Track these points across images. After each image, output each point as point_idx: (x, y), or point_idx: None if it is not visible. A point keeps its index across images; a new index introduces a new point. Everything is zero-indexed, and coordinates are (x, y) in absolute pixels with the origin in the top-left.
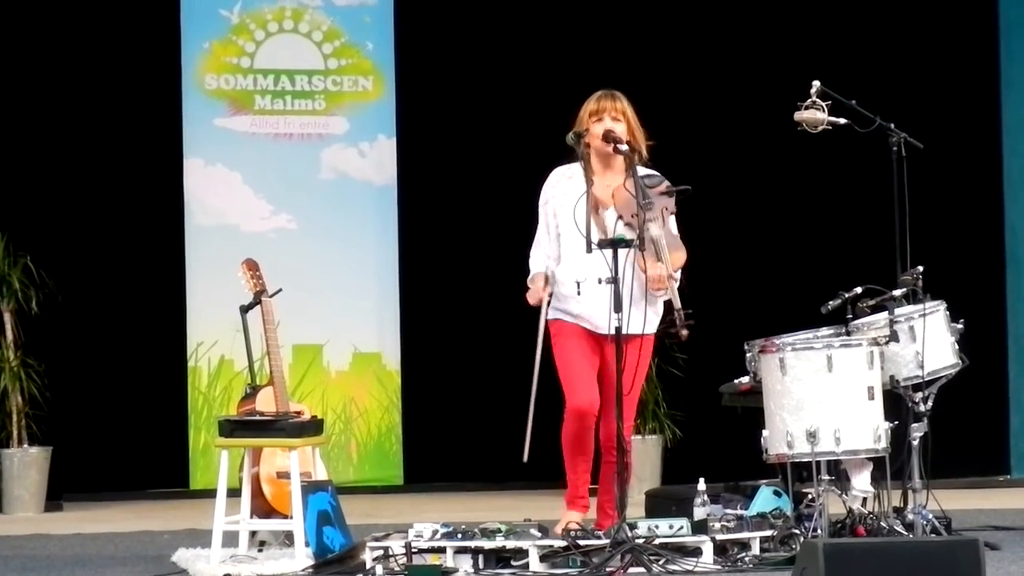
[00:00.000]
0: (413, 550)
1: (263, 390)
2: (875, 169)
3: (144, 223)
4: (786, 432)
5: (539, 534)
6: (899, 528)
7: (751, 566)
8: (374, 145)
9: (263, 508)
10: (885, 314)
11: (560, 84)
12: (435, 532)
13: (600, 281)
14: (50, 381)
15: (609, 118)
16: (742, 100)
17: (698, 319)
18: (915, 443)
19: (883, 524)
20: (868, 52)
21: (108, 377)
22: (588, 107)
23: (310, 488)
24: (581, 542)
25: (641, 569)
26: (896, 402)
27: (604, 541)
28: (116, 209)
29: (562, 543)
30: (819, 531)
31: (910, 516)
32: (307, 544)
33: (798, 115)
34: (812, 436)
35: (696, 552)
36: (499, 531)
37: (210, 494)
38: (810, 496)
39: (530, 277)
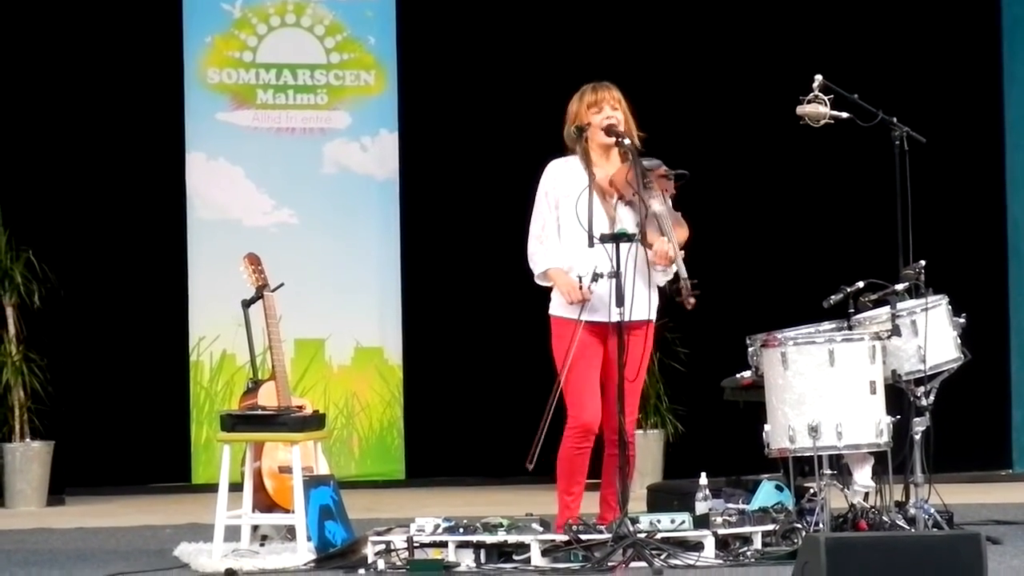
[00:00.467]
0: (415, 544)
1: (265, 384)
2: (877, 163)
3: (146, 217)
4: (788, 426)
5: (541, 528)
6: (901, 522)
7: (753, 560)
8: (376, 139)
9: (265, 502)
10: (887, 308)
11: (561, 77)
12: (437, 527)
13: (603, 276)
14: (52, 375)
15: (608, 107)
16: (745, 94)
17: (701, 313)
18: (917, 437)
19: (885, 518)
20: (871, 46)
21: (110, 371)
22: (585, 99)
23: (312, 482)
24: (583, 536)
25: (643, 563)
26: (898, 396)
27: (606, 535)
28: (118, 203)
29: (564, 537)
30: (821, 525)
31: (912, 510)
32: (309, 538)
33: (800, 109)
34: (814, 430)
35: (698, 546)
36: (501, 525)
37: (212, 488)
38: (812, 490)
39: (541, 272)
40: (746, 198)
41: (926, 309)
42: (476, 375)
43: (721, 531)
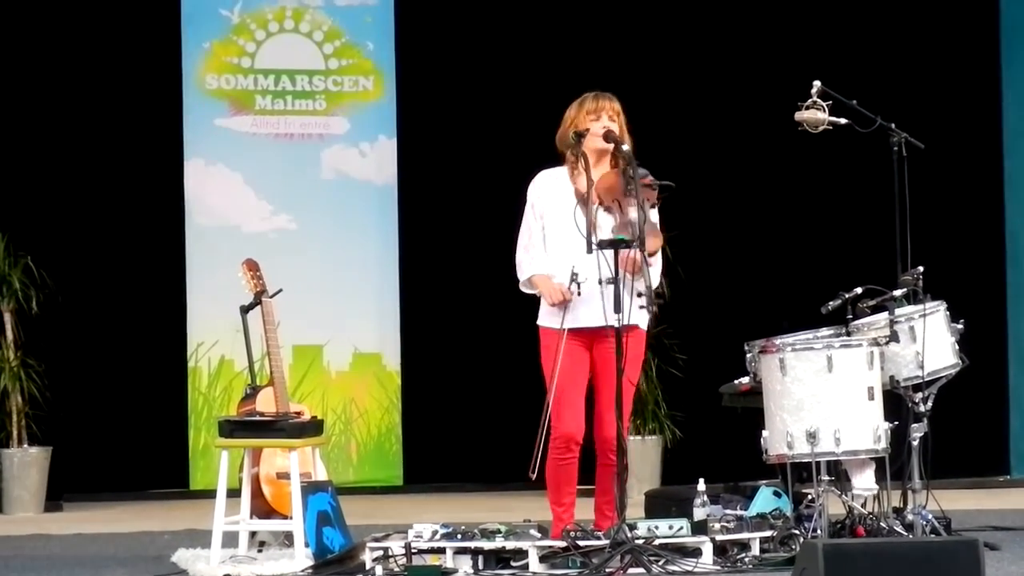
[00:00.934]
0: (413, 551)
1: (263, 390)
2: (876, 169)
3: (144, 223)
4: (786, 432)
5: (539, 535)
6: (899, 528)
7: (751, 567)
8: (375, 145)
9: (263, 508)
10: (885, 314)
11: (559, 85)
12: (435, 533)
13: (600, 282)
14: (50, 381)
15: (607, 117)
16: (743, 100)
17: (698, 320)
18: (915, 443)
19: (883, 524)
20: (869, 52)
21: (108, 377)
22: (584, 106)
23: (310, 488)
24: (581, 543)
25: (641, 570)
26: (896, 402)
27: (604, 542)
28: (117, 209)
29: (562, 544)
30: (819, 531)
31: (910, 516)
32: (307, 544)
33: (799, 115)
34: (812, 436)
35: (696, 553)
36: (499, 532)
37: (210, 494)
38: (810, 496)
39: (526, 279)
40: (745, 204)
41: (924, 315)
42: (474, 381)
43: (719, 537)
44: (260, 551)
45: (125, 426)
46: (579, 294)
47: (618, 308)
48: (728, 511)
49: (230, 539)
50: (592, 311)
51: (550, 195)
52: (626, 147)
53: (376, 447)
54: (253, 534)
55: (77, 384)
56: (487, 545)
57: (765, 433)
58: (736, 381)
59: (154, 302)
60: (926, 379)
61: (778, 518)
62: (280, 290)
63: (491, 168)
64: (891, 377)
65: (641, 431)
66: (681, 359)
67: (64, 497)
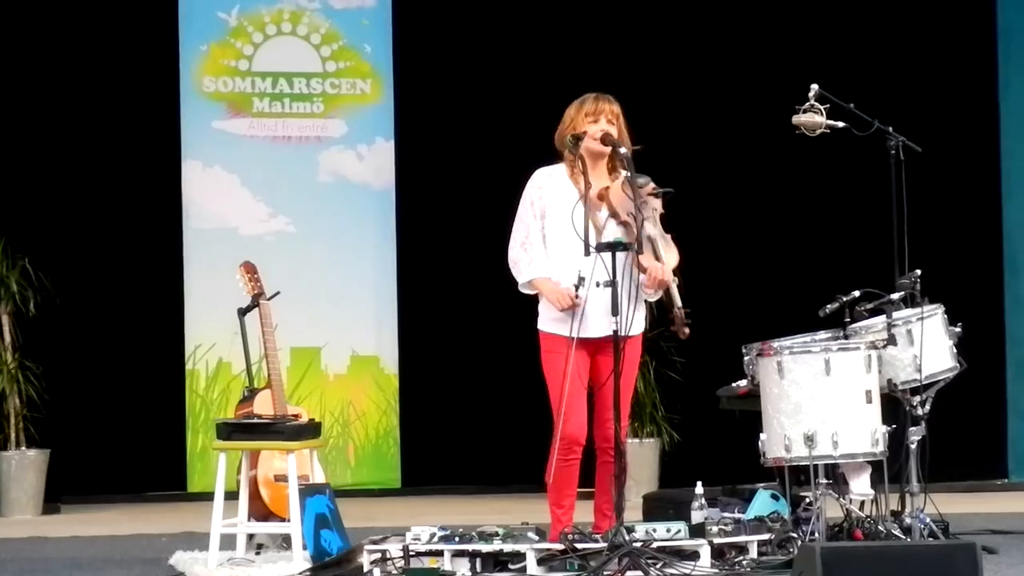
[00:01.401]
0: (411, 553)
1: (261, 393)
2: (873, 172)
3: (142, 226)
4: (784, 435)
5: (536, 537)
6: (897, 532)
7: (748, 570)
8: (372, 148)
9: (261, 511)
10: (883, 318)
11: (557, 87)
12: (433, 535)
13: (598, 284)
14: (48, 383)
15: (605, 120)
16: (740, 103)
17: (696, 321)
18: (913, 447)
19: (880, 528)
20: (866, 55)
21: (106, 380)
22: (583, 108)
23: (308, 491)
24: (578, 545)
25: (638, 572)
26: (894, 406)
27: (601, 544)
28: (114, 211)
29: (559, 546)
30: (816, 535)
31: (908, 520)
32: (304, 547)
33: (796, 118)
34: (810, 440)
35: (693, 555)
36: (496, 534)
37: (208, 497)
38: (808, 500)
39: (525, 282)
40: (742, 207)
41: (922, 318)
42: (472, 384)
43: (717, 540)
44: (258, 554)
45: (123, 429)
46: (576, 296)
47: (615, 311)
48: (726, 514)
49: (228, 542)
50: (598, 322)
51: (552, 194)
52: (623, 150)
53: (374, 450)
54: (251, 537)
55: (75, 386)
56: (485, 548)
57: (763, 436)
58: (734, 384)
59: (152, 304)
60: (924, 382)
61: (776, 521)
62: (278, 292)
63: (489, 170)
64: (889, 380)
65: (639, 434)
66: (679, 362)
67: (62, 499)
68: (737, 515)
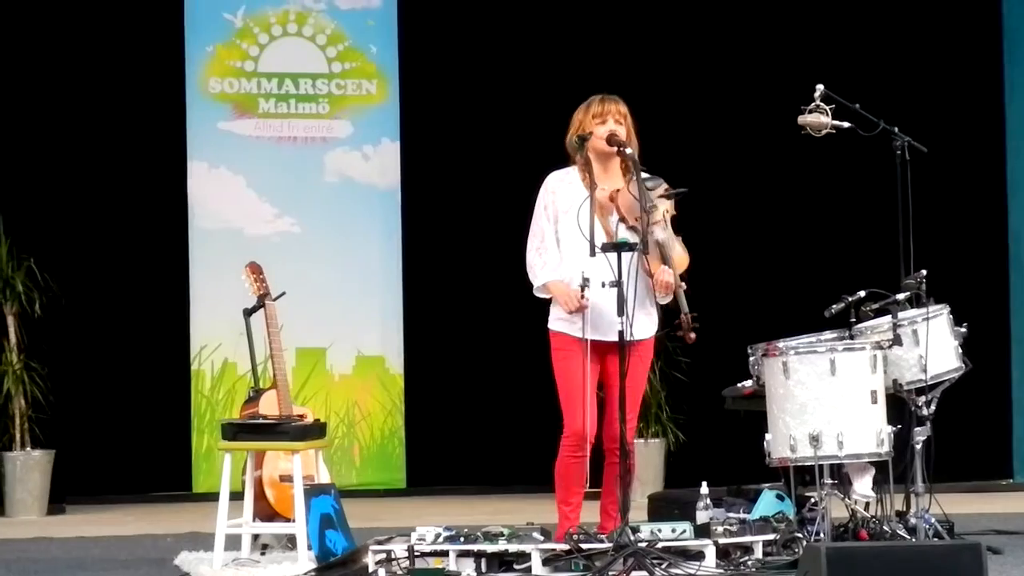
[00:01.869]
0: (416, 553)
1: (266, 393)
2: (879, 173)
3: (148, 226)
4: (789, 436)
5: (541, 538)
6: (902, 532)
7: (753, 570)
8: (378, 149)
9: (266, 511)
10: (888, 318)
11: (562, 88)
12: (438, 535)
13: (604, 285)
14: (53, 384)
15: (612, 120)
16: (746, 104)
17: (702, 323)
18: (918, 447)
19: (886, 528)
20: (872, 56)
21: (111, 380)
22: (591, 110)
23: (313, 491)
24: (583, 545)
25: (643, 573)
26: (899, 406)
27: (607, 544)
28: (120, 212)
29: (564, 547)
30: (822, 535)
31: (913, 520)
32: (309, 547)
33: (802, 119)
34: (815, 440)
35: (699, 556)
36: (502, 534)
37: (213, 497)
38: (813, 500)
39: (540, 285)
40: (748, 208)
41: (927, 319)
42: (477, 384)
43: (722, 540)
44: (263, 554)
45: (128, 429)
46: (583, 297)
47: (620, 312)
48: (731, 514)
49: (233, 542)
50: (610, 324)
51: (564, 197)
52: (630, 151)
53: (379, 450)
54: (256, 537)
55: (80, 387)
56: (490, 548)
57: (768, 436)
58: (739, 384)
59: (157, 305)
60: (929, 383)
61: (781, 521)
62: (283, 293)
63: (494, 171)
64: (894, 381)
65: (644, 434)
66: (684, 362)
67: (67, 500)
68: (742, 515)
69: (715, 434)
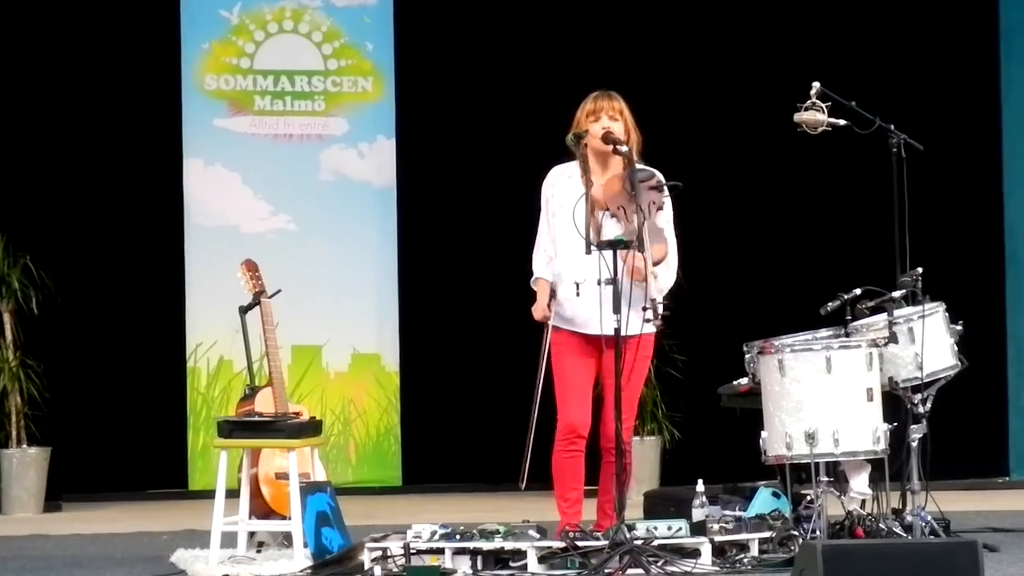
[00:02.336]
0: (412, 551)
1: (262, 391)
2: (875, 170)
3: (144, 224)
4: (785, 433)
5: (537, 535)
6: (898, 530)
7: (749, 567)
8: (373, 146)
9: (262, 509)
10: (884, 315)
11: (559, 85)
12: (433, 533)
13: (600, 282)
14: (49, 381)
15: (607, 117)
16: (742, 101)
17: (697, 320)
18: (914, 445)
19: (882, 526)
20: (868, 53)
21: (107, 378)
22: (585, 107)
23: (309, 489)
24: (579, 543)
25: (639, 570)
26: (895, 403)
27: (603, 542)
28: (116, 210)
29: (560, 544)
30: (818, 532)
31: (909, 518)
32: (305, 545)
33: (798, 116)
34: (811, 437)
35: (695, 553)
36: (497, 532)
37: (209, 495)
38: (809, 498)
39: (533, 279)
40: (744, 205)
41: (923, 316)
42: (473, 382)
43: (718, 538)
44: (259, 551)
45: (124, 426)
46: (578, 294)
47: (616, 308)
48: (727, 512)
49: (229, 539)
50: (606, 321)
51: (562, 192)
52: (624, 148)
53: (375, 447)
54: (252, 534)
55: (76, 384)
56: (486, 546)
57: (764, 434)
58: (735, 382)
59: (153, 302)
60: (925, 380)
61: (777, 519)
62: (279, 291)
63: (490, 169)
64: (890, 378)
65: (640, 432)
66: (680, 360)
67: (63, 497)
68: (738, 513)
69: (711, 432)
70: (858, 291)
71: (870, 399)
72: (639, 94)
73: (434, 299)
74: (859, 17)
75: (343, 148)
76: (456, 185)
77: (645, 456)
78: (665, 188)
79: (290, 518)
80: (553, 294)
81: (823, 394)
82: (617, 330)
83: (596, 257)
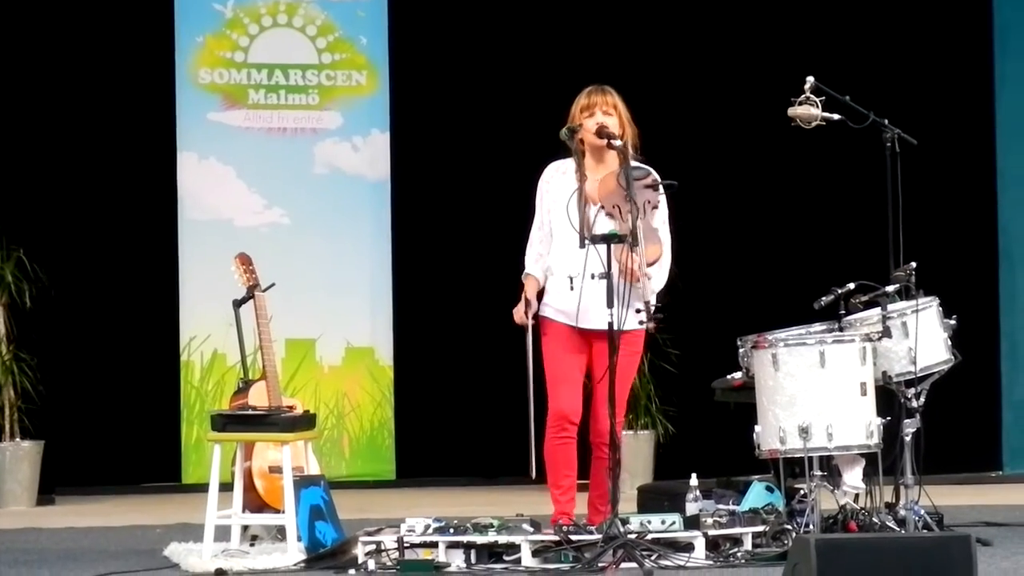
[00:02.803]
0: (405, 545)
1: (256, 384)
2: (869, 165)
3: (137, 217)
4: (778, 428)
5: (531, 529)
6: (891, 524)
7: (743, 562)
8: (368, 140)
9: (255, 502)
10: (878, 310)
11: (554, 79)
12: (427, 527)
13: (593, 276)
14: (43, 375)
15: (601, 112)
16: (736, 96)
17: (691, 315)
18: (907, 439)
19: (875, 520)
20: (862, 48)
21: (101, 371)
22: (579, 102)
23: (302, 483)
24: (573, 537)
25: (633, 564)
26: (889, 398)
27: (596, 536)
28: (109, 203)
29: (554, 538)
30: (811, 527)
31: (902, 512)
32: (299, 538)
33: (792, 111)
34: (804, 432)
35: (688, 547)
36: (491, 526)
37: (202, 488)
38: (802, 492)
39: (524, 274)
40: (737, 200)
41: (917, 311)
42: (467, 375)
43: (711, 532)
44: (252, 545)
45: (118, 420)
46: (571, 288)
47: (611, 303)
48: (720, 506)
49: (222, 533)
50: (597, 314)
51: (556, 188)
52: (618, 143)
53: (369, 441)
54: (245, 528)
55: (70, 378)
56: (480, 539)
57: (757, 428)
58: (729, 376)
59: (147, 296)
60: (918, 375)
61: (770, 513)
62: (273, 284)
63: (484, 163)
64: (884, 373)
65: (634, 426)
66: (674, 354)
67: (56, 491)
68: (732, 507)
69: (705, 426)
70: (852, 285)
71: (864, 393)
72: (633, 88)
73: (428, 293)
74: (854, 12)
75: (337, 142)
76: (450, 179)
77: (639, 450)
78: (660, 187)
79: (284, 512)
80: (540, 293)
81: (817, 388)
82: (611, 324)
83: (590, 252)
